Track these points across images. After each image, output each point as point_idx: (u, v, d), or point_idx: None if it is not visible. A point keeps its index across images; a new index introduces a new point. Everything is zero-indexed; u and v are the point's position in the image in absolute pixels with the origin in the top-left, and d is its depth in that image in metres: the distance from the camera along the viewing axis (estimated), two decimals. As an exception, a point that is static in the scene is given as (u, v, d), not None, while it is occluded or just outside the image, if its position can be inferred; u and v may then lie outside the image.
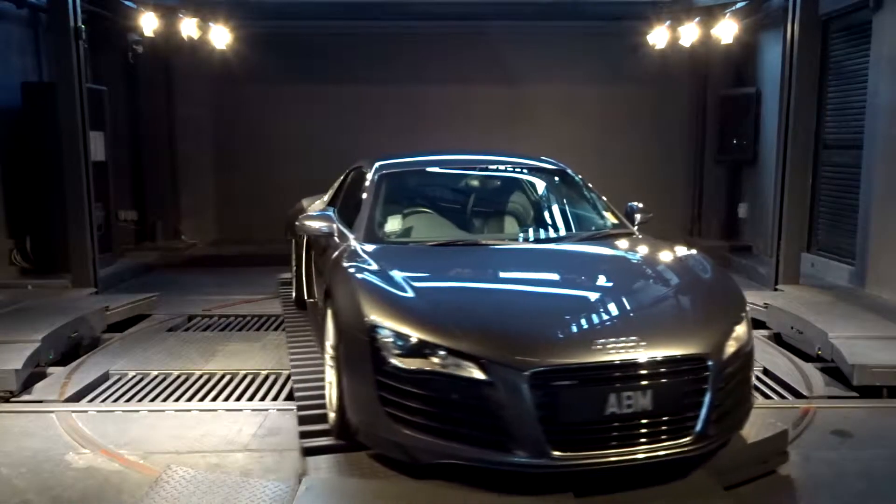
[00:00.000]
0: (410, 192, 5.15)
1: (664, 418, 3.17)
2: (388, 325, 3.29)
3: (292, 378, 4.72)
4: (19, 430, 4.11)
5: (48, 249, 8.02)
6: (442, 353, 3.16)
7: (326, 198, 6.20)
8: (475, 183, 5.37)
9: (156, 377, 5.08)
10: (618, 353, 3.16)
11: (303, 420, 4.01)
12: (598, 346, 3.17)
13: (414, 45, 10.44)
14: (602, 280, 4.03)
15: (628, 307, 3.60)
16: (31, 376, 4.97)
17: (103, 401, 4.69)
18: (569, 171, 5.37)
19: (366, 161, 5.44)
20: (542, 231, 4.99)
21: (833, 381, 4.93)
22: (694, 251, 4.42)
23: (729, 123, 10.30)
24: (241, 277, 7.64)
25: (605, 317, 3.48)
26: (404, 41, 10.44)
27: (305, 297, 5.98)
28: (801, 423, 4.19)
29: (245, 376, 5.10)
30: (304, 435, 3.84)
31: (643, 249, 4.43)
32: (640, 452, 3.13)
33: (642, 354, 3.17)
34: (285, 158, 10.55)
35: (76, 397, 4.71)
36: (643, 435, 3.14)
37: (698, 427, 3.20)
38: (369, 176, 4.97)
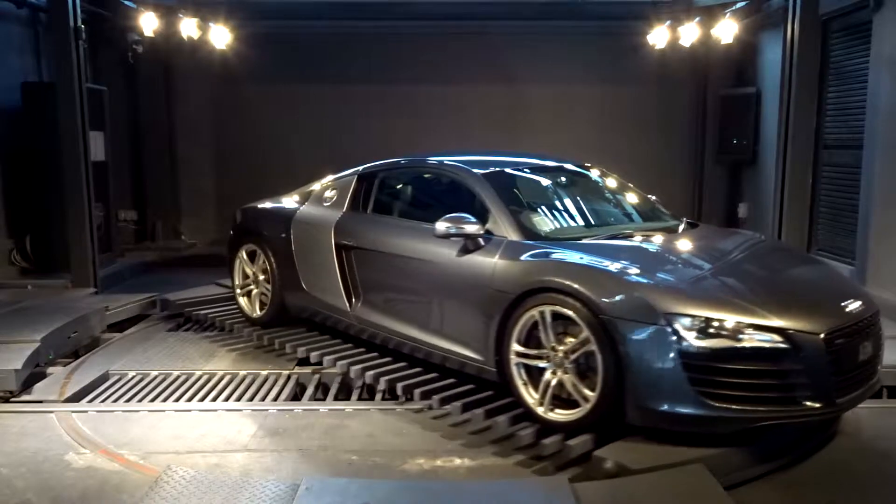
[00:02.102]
0: (518, 190, 5.03)
1: (875, 362, 3.94)
2: (685, 312, 3.58)
3: (419, 394, 4.43)
4: (19, 430, 4.11)
5: (48, 249, 8.01)
6: (735, 327, 3.53)
7: (329, 202, 5.59)
8: (563, 180, 5.37)
9: (156, 377, 5.07)
10: (856, 312, 3.86)
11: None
12: (845, 309, 3.87)
13: (414, 45, 10.42)
14: (780, 259, 4.77)
15: (825, 278, 4.45)
16: (31, 376, 4.97)
17: (103, 401, 4.68)
18: (596, 171, 5.64)
19: (411, 160, 5.51)
20: (652, 223, 5.09)
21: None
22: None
23: (729, 123, 10.28)
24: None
25: (828, 285, 4.33)
26: (404, 41, 10.42)
27: (343, 306, 5.29)
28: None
29: (245, 376, 5.09)
30: (540, 435, 3.84)
31: (744, 233, 5.59)
32: (866, 392, 3.85)
33: (864, 312, 3.89)
34: (285, 158, 10.53)
35: (76, 397, 4.71)
36: (868, 376, 3.87)
37: (879, 368, 4.01)
38: (469, 177, 4.82)
